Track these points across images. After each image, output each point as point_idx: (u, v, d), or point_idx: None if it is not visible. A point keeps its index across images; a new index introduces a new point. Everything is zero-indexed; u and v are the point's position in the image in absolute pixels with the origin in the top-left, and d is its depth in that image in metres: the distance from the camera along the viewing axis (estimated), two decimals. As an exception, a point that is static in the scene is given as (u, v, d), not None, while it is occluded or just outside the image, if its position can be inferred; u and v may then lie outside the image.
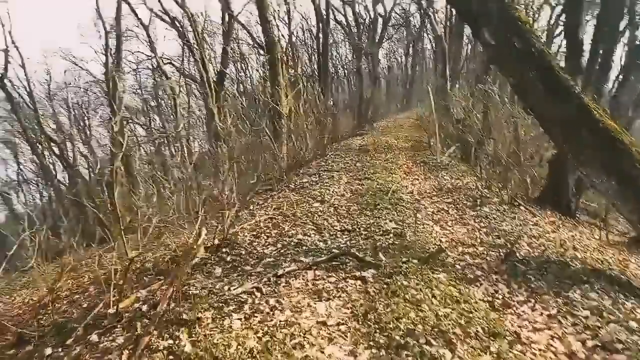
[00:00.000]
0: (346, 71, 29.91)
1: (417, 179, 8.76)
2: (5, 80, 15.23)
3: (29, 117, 16.30)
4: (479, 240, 5.16)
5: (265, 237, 4.98)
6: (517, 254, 4.61)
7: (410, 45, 32.47)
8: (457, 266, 4.25)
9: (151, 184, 8.18)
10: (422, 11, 24.92)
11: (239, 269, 4.05)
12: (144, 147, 20.43)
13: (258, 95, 13.72)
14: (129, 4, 14.91)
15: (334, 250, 4.50)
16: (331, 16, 21.23)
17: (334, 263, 4.08)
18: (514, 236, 5.23)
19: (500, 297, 3.63)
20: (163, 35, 34.15)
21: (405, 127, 18.81)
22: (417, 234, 5.16)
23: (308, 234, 5.11)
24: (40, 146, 16.51)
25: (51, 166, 18.03)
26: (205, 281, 3.78)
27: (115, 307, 3.38)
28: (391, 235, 5.03)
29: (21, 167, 20.46)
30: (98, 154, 18.97)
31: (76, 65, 19.17)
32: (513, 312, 3.39)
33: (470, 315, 3.20)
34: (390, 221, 5.60)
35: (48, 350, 3.07)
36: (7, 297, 5.43)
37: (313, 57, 23.61)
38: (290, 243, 4.72)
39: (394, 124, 20.25)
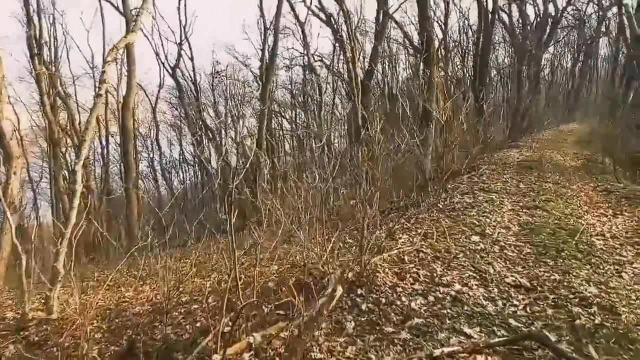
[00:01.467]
0: (501, 75, 26.69)
1: (605, 215, 6.69)
2: (177, 71, 16.86)
3: (192, 104, 17.91)
4: None
5: (412, 281, 3.82)
6: None
7: (581, 49, 27.60)
8: None
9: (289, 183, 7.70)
10: (600, 12, 20.80)
11: (377, 328, 3.01)
12: (288, 141, 21.12)
13: (406, 97, 12.67)
14: (289, 1, 15.00)
15: (509, 320, 3.20)
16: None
17: (513, 347, 2.81)
18: None
19: None
20: (317, 32, 35.11)
21: (569, 142, 15.76)
22: (631, 310, 3.51)
23: (469, 284, 3.83)
24: (198, 132, 17.99)
25: (206, 151, 19.55)
26: (333, 340, 2.85)
27: (222, 352, 2.69)
28: (594, 307, 3.45)
29: (183, 149, 22.83)
30: (247, 143, 19.95)
31: (237, 59, 20.53)
32: None
33: None
34: (588, 282, 3.99)
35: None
36: (141, 283, 5.28)
37: (466, 59, 21.48)
38: (445, 297, 3.52)
39: (555, 137, 17.19)
